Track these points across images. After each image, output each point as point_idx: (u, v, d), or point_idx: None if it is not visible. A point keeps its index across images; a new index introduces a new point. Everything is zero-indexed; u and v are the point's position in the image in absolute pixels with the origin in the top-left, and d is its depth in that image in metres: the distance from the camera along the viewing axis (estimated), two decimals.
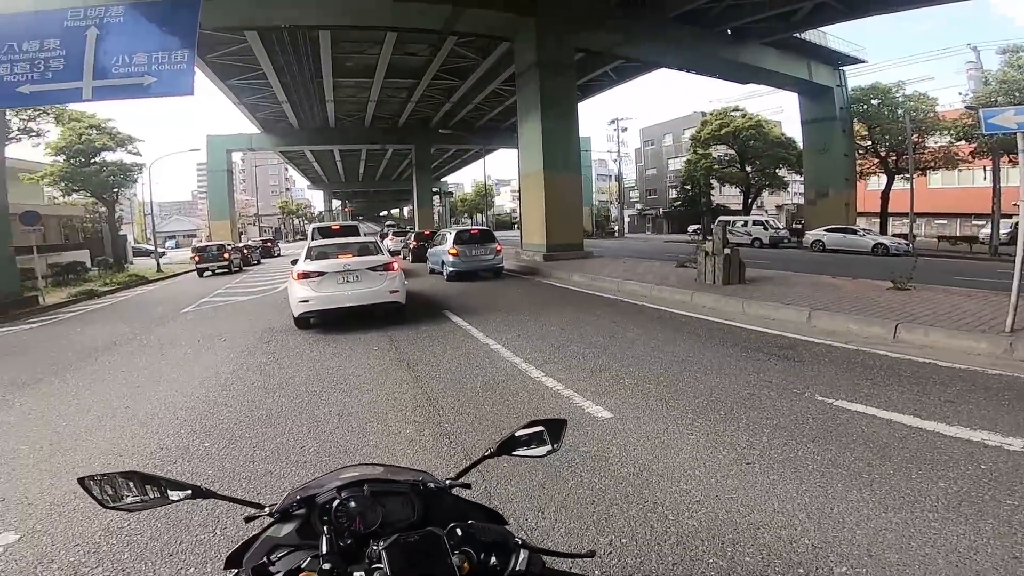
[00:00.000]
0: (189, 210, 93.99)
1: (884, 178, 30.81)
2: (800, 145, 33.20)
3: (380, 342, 7.46)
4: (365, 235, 13.93)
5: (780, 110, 79.54)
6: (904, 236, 25.35)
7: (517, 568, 0.87)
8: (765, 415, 4.05)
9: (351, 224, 17.57)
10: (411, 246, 23.68)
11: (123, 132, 25.49)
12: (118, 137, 25.16)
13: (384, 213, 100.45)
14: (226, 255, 23.55)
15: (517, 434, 1.16)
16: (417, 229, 33.47)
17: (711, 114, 39.68)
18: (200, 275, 22.74)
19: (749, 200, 39.77)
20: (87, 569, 2.50)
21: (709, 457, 3.38)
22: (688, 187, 43.87)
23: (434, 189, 56.24)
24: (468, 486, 1.11)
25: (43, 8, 11.22)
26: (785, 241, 29.02)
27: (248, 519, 1.03)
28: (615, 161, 51.21)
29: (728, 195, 46.88)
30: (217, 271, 23.11)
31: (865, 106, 29.72)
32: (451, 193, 77.47)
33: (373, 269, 8.63)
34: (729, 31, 23.19)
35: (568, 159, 19.47)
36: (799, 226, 32.86)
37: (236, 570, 0.94)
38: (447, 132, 38.24)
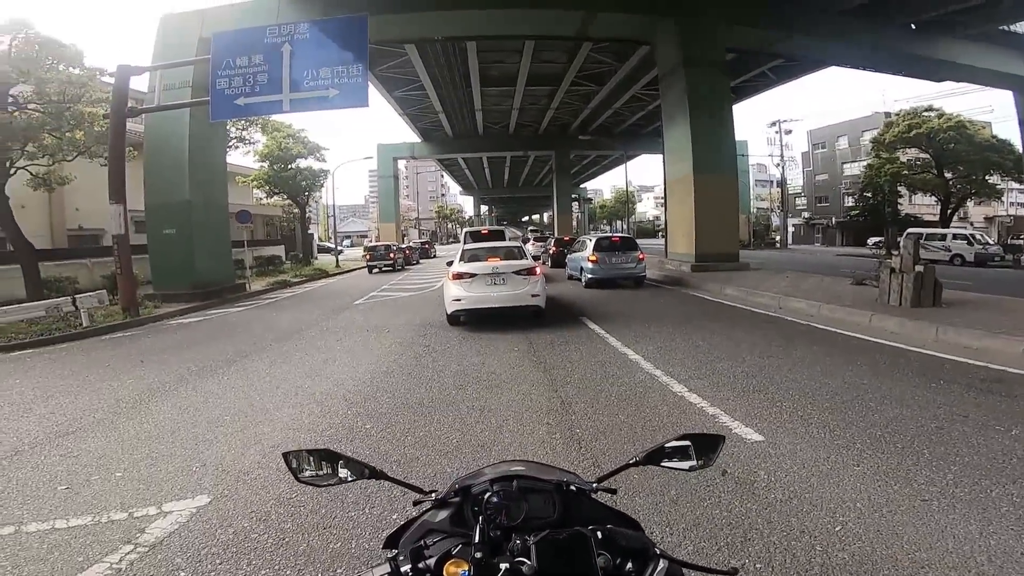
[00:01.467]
0: (362, 212, 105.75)
1: None
2: (1019, 148, 27.69)
3: (519, 343, 7.71)
4: (509, 239, 14.52)
5: (989, 109, 65.86)
6: None
7: None
8: (955, 451, 3.48)
9: (498, 229, 18.60)
10: (551, 251, 24.13)
11: (313, 141, 29.58)
12: (309, 145, 29.18)
13: (525, 218, 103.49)
14: (391, 255, 26.31)
15: (667, 445, 1.13)
16: (557, 235, 33.90)
17: (898, 114, 34.53)
18: (370, 271, 25.61)
19: (949, 210, 33.73)
20: (256, 535, 2.80)
21: (876, 491, 2.99)
22: (869, 194, 38.34)
23: (573, 195, 56.46)
24: (613, 491, 1.12)
25: (245, 26, 13.13)
26: (996, 259, 24.11)
27: (416, 503, 1.12)
28: (777, 166, 46.86)
29: (921, 204, 40.23)
30: (383, 269, 25.84)
31: None
32: (590, 199, 77.15)
33: (518, 273, 9.01)
34: (913, 25, 20.30)
35: (721, 163, 18.24)
36: (1017, 242, 27.13)
37: (394, 550, 0.99)
38: (586, 138, 38.37)
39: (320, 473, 1.10)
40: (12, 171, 13.18)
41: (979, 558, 2.33)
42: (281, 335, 9.26)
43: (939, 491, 2.96)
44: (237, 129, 24.06)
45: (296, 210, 31.37)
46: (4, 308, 10.09)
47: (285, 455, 1.10)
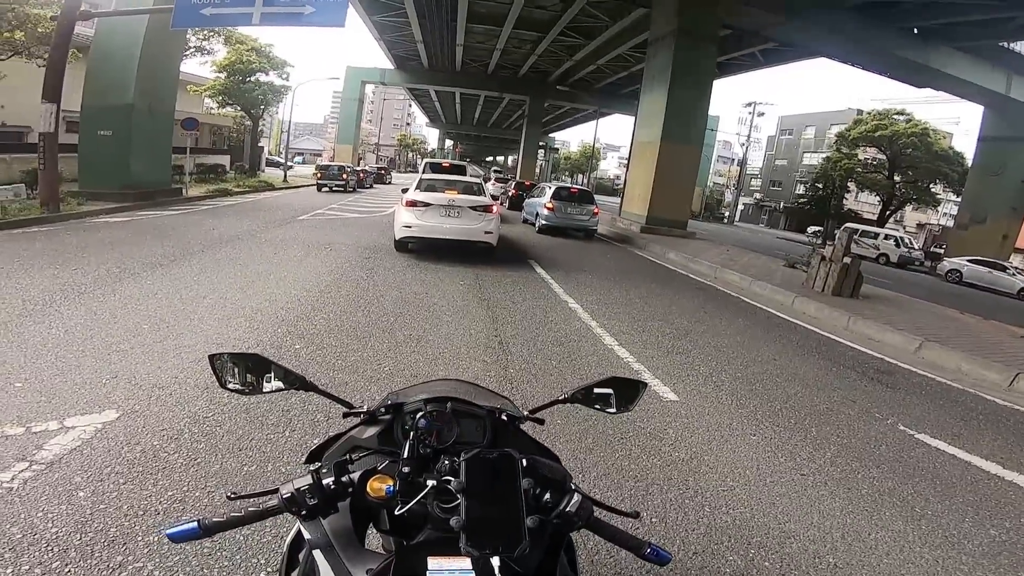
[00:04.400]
0: (319, 132, 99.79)
1: None
2: (968, 163, 29.18)
3: (466, 278, 7.75)
4: (470, 176, 14.28)
5: (956, 120, 68.76)
6: None
7: (568, 509, 0.90)
8: (836, 432, 3.86)
9: (460, 164, 18.03)
10: (510, 194, 24.08)
11: (279, 57, 27.61)
12: (274, 61, 27.30)
13: (489, 159, 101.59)
14: (344, 175, 25.58)
15: (594, 387, 1.18)
16: (518, 179, 33.66)
17: (869, 113, 35.60)
18: (319, 190, 24.78)
19: (888, 212, 35.73)
20: (165, 455, 2.64)
21: (765, 460, 3.30)
22: (820, 185, 39.99)
23: (540, 143, 55.71)
24: (542, 421, 1.17)
25: None
26: (916, 263, 25.99)
27: (345, 415, 1.10)
28: (742, 145, 47.81)
29: (865, 202, 42.57)
30: (334, 188, 25.09)
31: None
32: (557, 149, 76.37)
33: (474, 208, 8.97)
34: (916, 30, 20.36)
35: (690, 135, 18.50)
36: (938, 250, 29.25)
37: (317, 463, 0.99)
38: (564, 89, 37.97)
39: (248, 380, 1.05)
40: None
41: (834, 534, 2.61)
42: (213, 242, 8.79)
43: (816, 468, 3.28)
44: (198, 39, 22.16)
45: (248, 122, 29.62)
46: None
47: (211, 357, 1.05)
